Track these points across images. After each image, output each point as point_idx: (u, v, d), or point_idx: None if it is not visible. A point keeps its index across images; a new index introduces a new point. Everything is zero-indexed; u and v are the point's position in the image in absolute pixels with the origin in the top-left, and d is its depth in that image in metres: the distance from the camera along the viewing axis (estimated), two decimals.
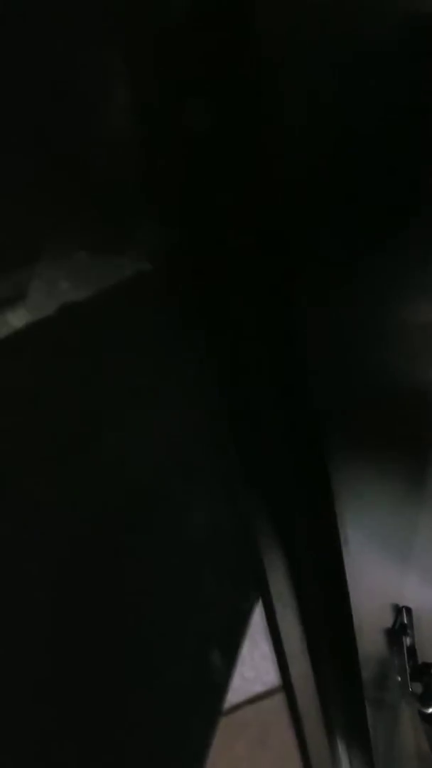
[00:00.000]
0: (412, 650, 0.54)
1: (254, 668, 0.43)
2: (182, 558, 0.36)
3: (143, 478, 0.33)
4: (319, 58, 0.31)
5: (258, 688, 0.48)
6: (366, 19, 0.36)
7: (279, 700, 0.46)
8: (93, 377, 0.29)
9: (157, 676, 0.35)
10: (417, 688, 0.56)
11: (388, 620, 0.52)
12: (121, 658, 0.32)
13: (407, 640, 0.54)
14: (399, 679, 0.55)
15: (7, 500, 0.25)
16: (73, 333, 0.27)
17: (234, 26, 0.28)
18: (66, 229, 0.26)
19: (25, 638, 0.26)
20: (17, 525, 0.26)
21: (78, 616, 0.29)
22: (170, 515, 0.35)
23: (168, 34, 0.28)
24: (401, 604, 0.53)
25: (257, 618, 0.41)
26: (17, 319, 0.24)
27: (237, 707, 0.46)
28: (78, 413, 0.28)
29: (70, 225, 0.26)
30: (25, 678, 0.26)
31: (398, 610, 0.53)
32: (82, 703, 0.30)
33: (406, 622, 0.53)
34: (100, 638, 0.30)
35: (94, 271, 0.27)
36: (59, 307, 0.26)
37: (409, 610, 0.53)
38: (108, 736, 0.32)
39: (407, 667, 0.55)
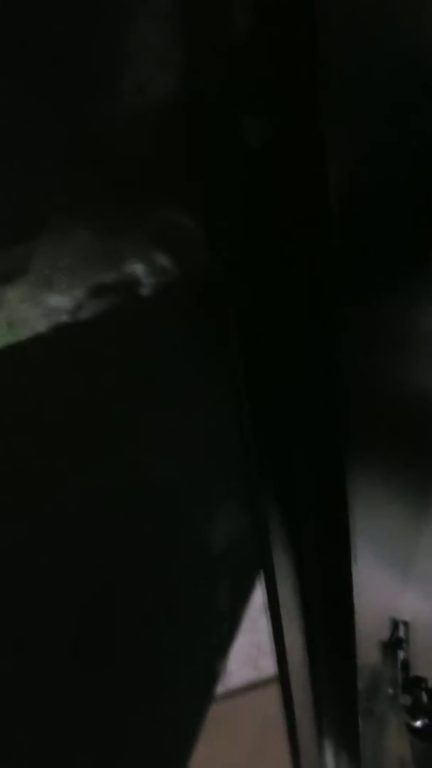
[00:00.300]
0: (405, 664, 0.55)
1: (256, 668, 0.44)
2: (186, 552, 0.37)
3: (156, 476, 0.34)
4: (381, 82, 0.32)
5: (254, 687, 0.49)
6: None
7: (275, 699, 0.47)
8: (98, 374, 0.29)
9: (148, 662, 0.35)
10: (406, 700, 0.57)
11: (385, 633, 0.53)
12: (113, 645, 0.32)
13: (401, 654, 0.55)
14: (390, 690, 0.57)
15: (19, 507, 0.25)
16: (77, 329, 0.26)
17: (297, 46, 0.28)
18: (73, 207, 0.25)
19: (34, 623, 0.27)
20: (36, 529, 0.26)
21: (76, 599, 0.29)
22: (180, 512, 0.36)
23: (231, 51, 0.29)
24: (399, 618, 0.54)
25: (261, 621, 0.42)
26: (16, 295, 0.24)
27: (233, 704, 0.47)
28: (87, 412, 0.28)
29: (78, 203, 0.25)
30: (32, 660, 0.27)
31: (395, 623, 0.54)
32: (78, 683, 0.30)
33: (402, 635, 0.54)
34: (96, 623, 0.31)
35: (98, 252, 0.27)
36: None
37: (406, 624, 0.54)
38: (97, 722, 0.32)
39: (399, 679, 0.56)
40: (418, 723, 0.57)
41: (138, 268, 0.29)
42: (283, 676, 0.43)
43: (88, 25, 0.24)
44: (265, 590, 0.40)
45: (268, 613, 0.40)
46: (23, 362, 0.25)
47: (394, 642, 0.53)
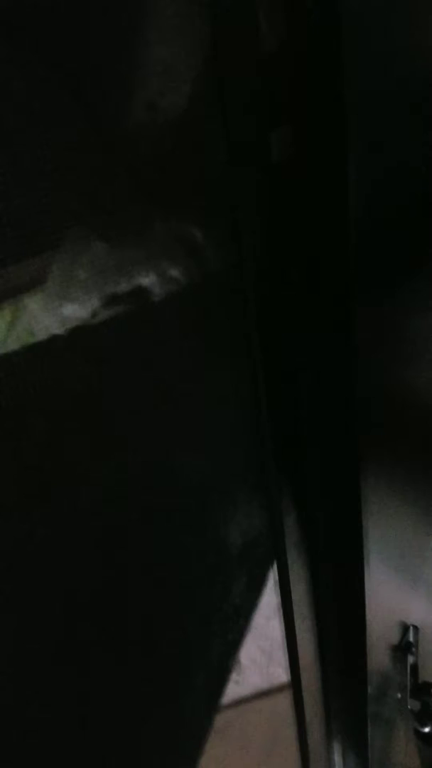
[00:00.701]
0: (414, 668, 0.55)
1: (266, 675, 0.44)
2: (205, 550, 0.37)
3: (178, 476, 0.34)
4: (404, 98, 0.33)
5: (264, 695, 0.49)
6: None
7: (284, 708, 0.47)
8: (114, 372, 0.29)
9: (165, 657, 0.35)
10: (415, 705, 0.57)
11: (395, 637, 0.53)
12: (129, 640, 0.32)
13: (411, 658, 0.55)
14: (399, 695, 0.57)
15: (46, 498, 0.26)
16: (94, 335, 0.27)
17: (321, 68, 0.29)
18: (86, 221, 0.26)
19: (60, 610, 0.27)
20: (64, 518, 0.27)
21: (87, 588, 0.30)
22: (199, 512, 0.36)
23: (260, 71, 0.29)
24: (409, 622, 0.55)
25: (271, 628, 0.42)
26: (36, 304, 0.25)
27: (242, 711, 0.47)
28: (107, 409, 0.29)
29: (91, 217, 0.26)
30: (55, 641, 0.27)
31: (405, 628, 0.54)
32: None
33: (412, 640, 0.54)
34: (107, 615, 0.31)
35: (110, 264, 0.27)
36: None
37: (416, 629, 0.54)
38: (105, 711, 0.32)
39: (408, 684, 0.56)
40: (427, 729, 0.57)
41: (153, 277, 0.30)
42: (294, 675, 0.43)
43: (114, 41, 0.25)
44: (279, 590, 0.40)
45: (282, 612, 0.41)
46: (49, 365, 0.26)
47: (405, 646, 0.54)
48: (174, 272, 0.31)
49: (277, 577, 0.40)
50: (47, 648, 0.27)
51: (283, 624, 0.42)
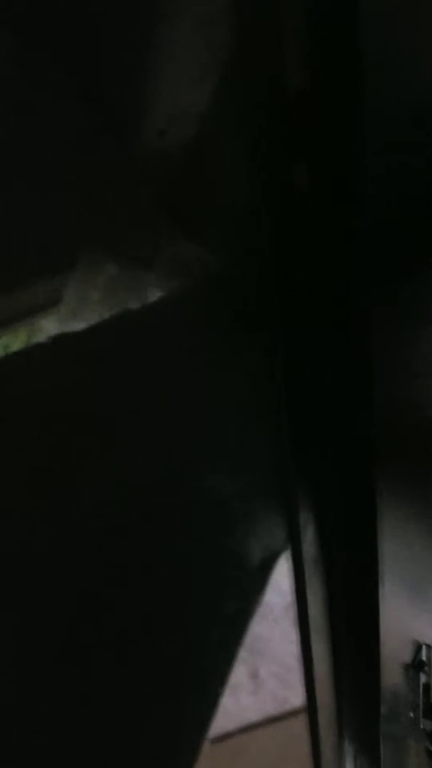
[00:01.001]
0: (427, 688, 0.55)
1: (280, 698, 0.44)
2: (218, 560, 0.37)
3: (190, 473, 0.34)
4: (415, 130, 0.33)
5: (275, 720, 0.48)
6: None
7: (295, 733, 0.47)
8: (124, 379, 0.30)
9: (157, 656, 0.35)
10: (428, 725, 0.56)
11: (408, 655, 0.53)
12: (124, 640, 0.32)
13: (423, 677, 0.54)
14: (411, 715, 0.56)
15: (50, 494, 0.26)
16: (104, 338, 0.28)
17: (342, 105, 0.30)
18: (100, 242, 0.26)
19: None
20: (69, 505, 0.27)
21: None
22: (218, 523, 0.36)
23: (286, 109, 0.30)
24: (422, 640, 0.54)
25: (282, 648, 0.42)
26: (51, 324, 0.25)
27: (252, 737, 0.47)
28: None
29: (104, 238, 0.27)
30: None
31: (418, 646, 0.54)
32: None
33: (425, 658, 0.54)
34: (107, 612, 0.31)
35: (123, 284, 0.28)
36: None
37: (429, 648, 0.54)
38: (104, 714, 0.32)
39: (420, 704, 0.55)
40: None
41: (165, 290, 0.30)
42: (309, 694, 0.43)
43: (131, 58, 0.25)
44: (296, 607, 0.40)
45: (298, 630, 0.40)
46: (59, 375, 0.26)
47: (417, 664, 0.53)
48: (186, 282, 0.32)
49: (293, 588, 0.40)
50: (51, 649, 0.27)
51: (298, 640, 0.42)
